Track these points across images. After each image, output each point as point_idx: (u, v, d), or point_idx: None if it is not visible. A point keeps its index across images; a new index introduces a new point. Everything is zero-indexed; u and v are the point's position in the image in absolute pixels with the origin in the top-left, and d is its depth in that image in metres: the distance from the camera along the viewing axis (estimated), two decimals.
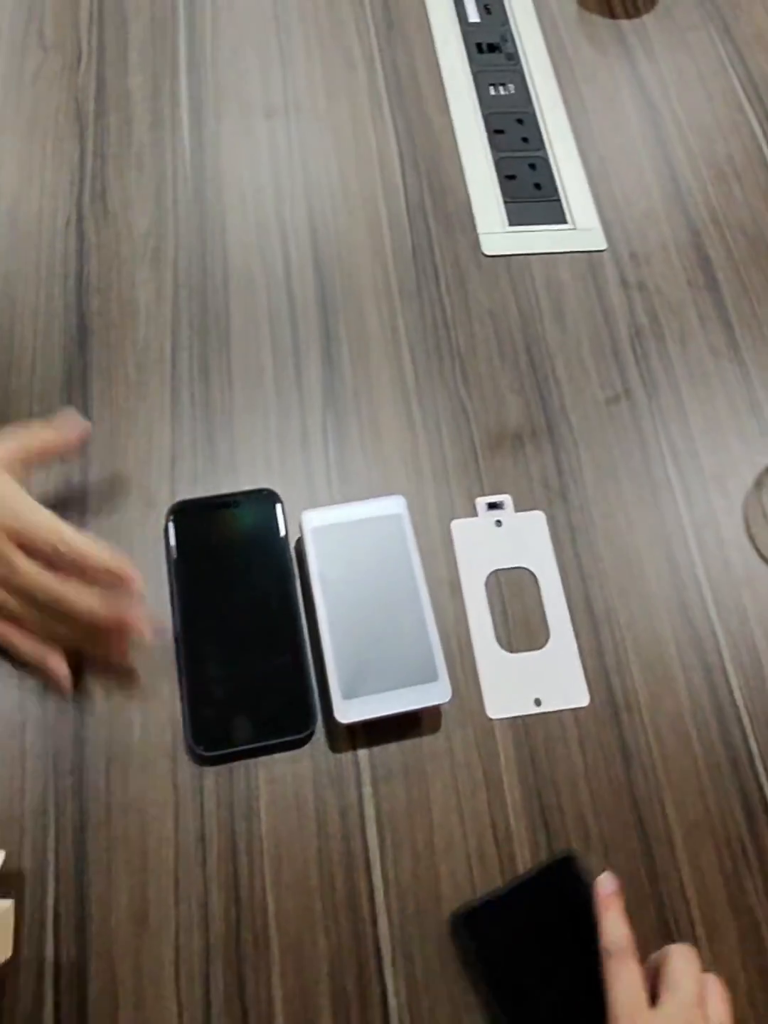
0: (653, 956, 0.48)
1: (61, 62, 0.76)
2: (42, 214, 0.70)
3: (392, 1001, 0.49)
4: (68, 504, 0.59)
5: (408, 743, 0.55)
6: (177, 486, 0.61)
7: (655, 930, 0.52)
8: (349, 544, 0.57)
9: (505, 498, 0.63)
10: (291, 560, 0.58)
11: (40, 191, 0.71)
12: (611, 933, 0.46)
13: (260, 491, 0.60)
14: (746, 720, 0.58)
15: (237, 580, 0.57)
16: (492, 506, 0.62)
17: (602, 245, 0.74)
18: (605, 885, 0.49)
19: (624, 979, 0.44)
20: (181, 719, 0.54)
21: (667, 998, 0.44)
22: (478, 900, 0.51)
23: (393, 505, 0.59)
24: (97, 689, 0.54)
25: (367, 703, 0.53)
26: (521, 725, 0.56)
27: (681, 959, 0.46)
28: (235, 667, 0.54)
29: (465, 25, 0.84)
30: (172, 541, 0.58)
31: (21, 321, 0.66)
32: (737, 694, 0.58)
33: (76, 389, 0.63)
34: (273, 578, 0.57)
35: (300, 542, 0.58)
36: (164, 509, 0.59)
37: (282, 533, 0.59)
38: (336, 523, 0.57)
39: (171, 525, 0.58)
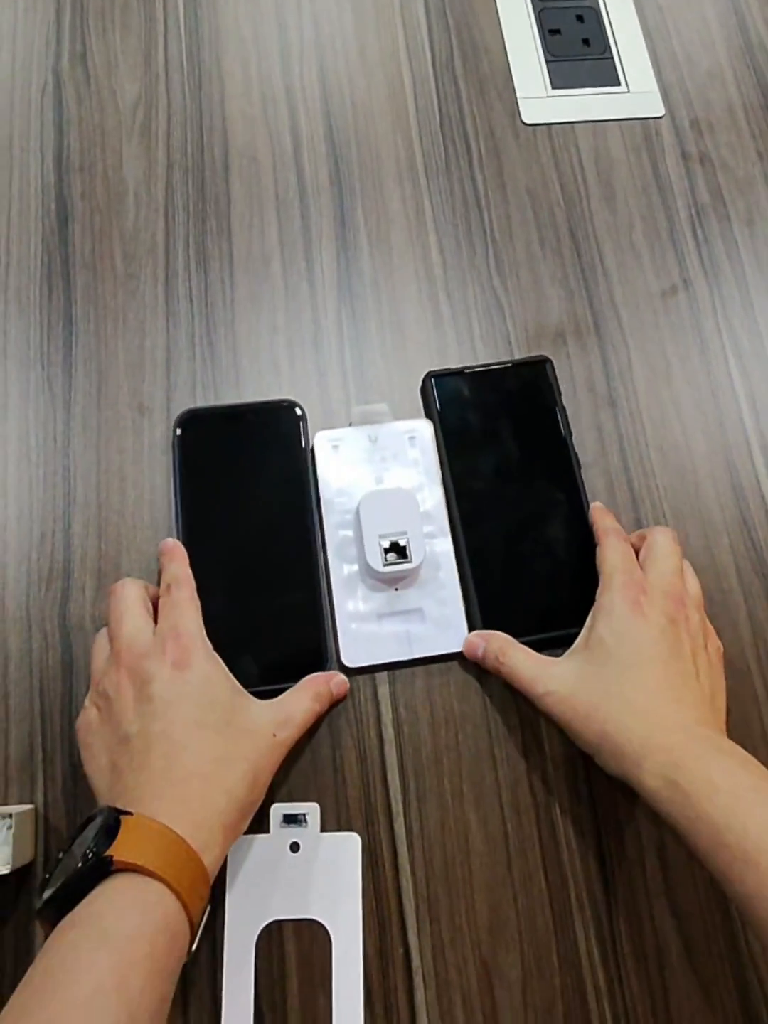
0: (635, 534, 0.51)
1: None
2: (14, 81, 0.61)
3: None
4: (50, 411, 0.53)
5: (435, 680, 0.49)
6: (173, 392, 0.54)
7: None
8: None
9: None
10: (312, 486, 0.51)
11: (11, 54, 0.61)
12: (603, 520, 0.51)
13: (281, 403, 0.53)
14: None
15: (251, 505, 0.49)
16: None
17: (659, 111, 0.64)
18: (599, 507, 0.52)
19: (618, 549, 0.49)
20: None
21: (651, 567, 0.48)
22: (456, 369, 0.54)
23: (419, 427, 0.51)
24: (87, 622, 0.49)
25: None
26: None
27: (663, 537, 0.49)
28: (243, 604, 0.47)
29: None
30: (180, 454, 0.51)
31: None
32: None
33: (57, 283, 0.56)
34: (291, 506, 0.50)
35: (313, 460, 0.51)
36: (158, 417, 0.53)
37: (304, 453, 0.51)
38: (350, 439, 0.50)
39: (178, 437, 0.51)
